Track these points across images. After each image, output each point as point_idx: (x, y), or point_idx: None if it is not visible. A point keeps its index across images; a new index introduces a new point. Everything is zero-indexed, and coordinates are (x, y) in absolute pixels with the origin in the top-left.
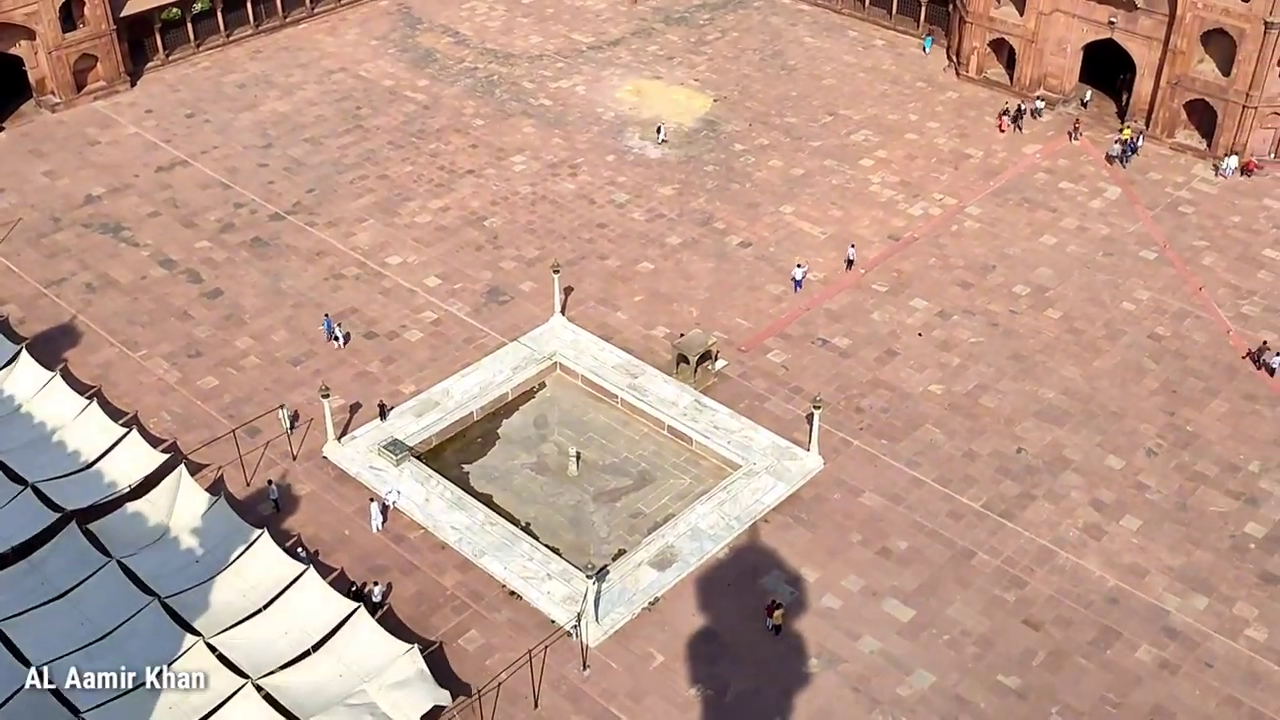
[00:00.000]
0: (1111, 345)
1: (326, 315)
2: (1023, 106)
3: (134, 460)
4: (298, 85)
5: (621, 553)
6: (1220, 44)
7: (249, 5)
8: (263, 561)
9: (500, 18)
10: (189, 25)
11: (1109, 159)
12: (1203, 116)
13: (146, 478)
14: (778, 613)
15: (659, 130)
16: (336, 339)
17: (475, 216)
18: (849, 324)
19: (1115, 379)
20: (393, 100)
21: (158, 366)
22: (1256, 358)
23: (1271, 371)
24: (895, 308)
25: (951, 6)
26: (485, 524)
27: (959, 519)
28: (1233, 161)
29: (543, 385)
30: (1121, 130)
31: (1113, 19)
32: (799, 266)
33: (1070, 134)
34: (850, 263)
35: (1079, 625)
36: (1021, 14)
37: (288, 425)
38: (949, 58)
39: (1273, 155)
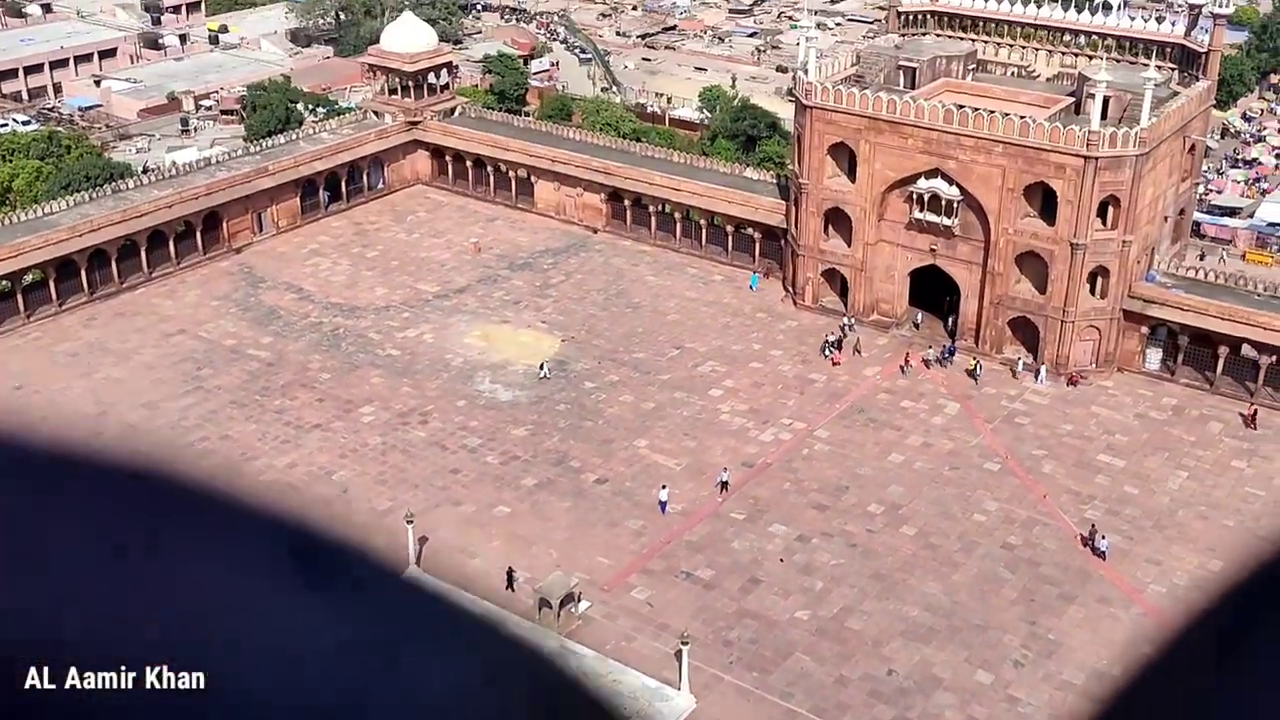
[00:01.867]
0: (967, 558)
1: None
2: (831, 337)
3: None
4: (134, 350)
5: None
6: (1034, 265)
7: (83, 273)
8: None
9: (344, 272)
10: (19, 297)
11: (925, 363)
12: (1026, 332)
13: None
14: None
15: (541, 366)
16: None
17: (323, 471)
18: (710, 554)
19: (975, 591)
20: (235, 359)
21: None
22: (1088, 541)
23: (1102, 555)
24: (755, 535)
25: (784, 241)
26: None
27: None
28: (1022, 368)
29: None
30: (959, 357)
31: (933, 247)
32: (663, 488)
33: (902, 368)
34: (724, 485)
35: None
36: (849, 245)
37: None
38: (785, 289)
39: (1094, 365)
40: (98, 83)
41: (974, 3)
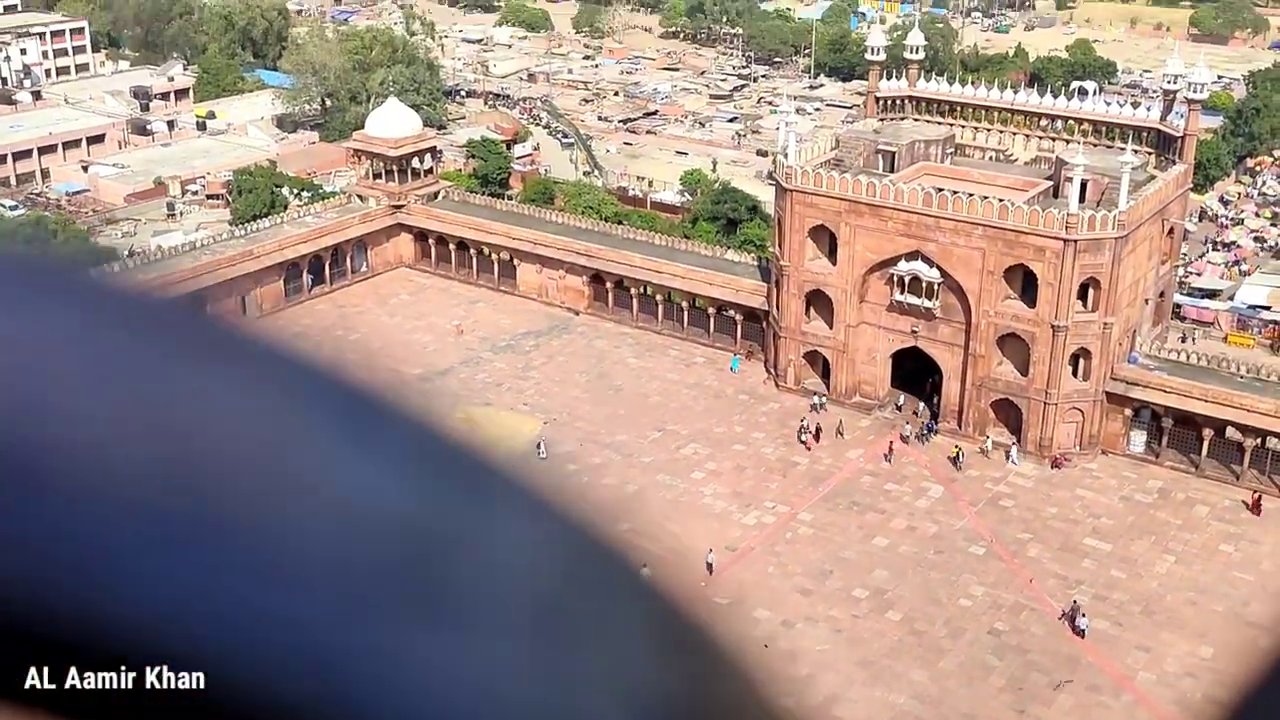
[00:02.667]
0: (954, 644)
1: None
2: (804, 422)
3: None
4: None
5: None
6: (1016, 347)
7: None
8: None
9: (327, 355)
10: None
11: (904, 439)
12: (1009, 414)
13: None
14: None
15: (539, 445)
16: None
17: None
18: None
19: (962, 679)
20: None
21: None
22: (1069, 617)
23: (1081, 633)
24: (739, 620)
25: (765, 323)
26: None
27: None
28: (991, 446)
29: None
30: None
31: (915, 329)
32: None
33: (886, 456)
34: (710, 566)
35: None
36: (831, 327)
37: None
38: (767, 371)
39: (1078, 447)
40: (85, 168)
41: (951, 88)
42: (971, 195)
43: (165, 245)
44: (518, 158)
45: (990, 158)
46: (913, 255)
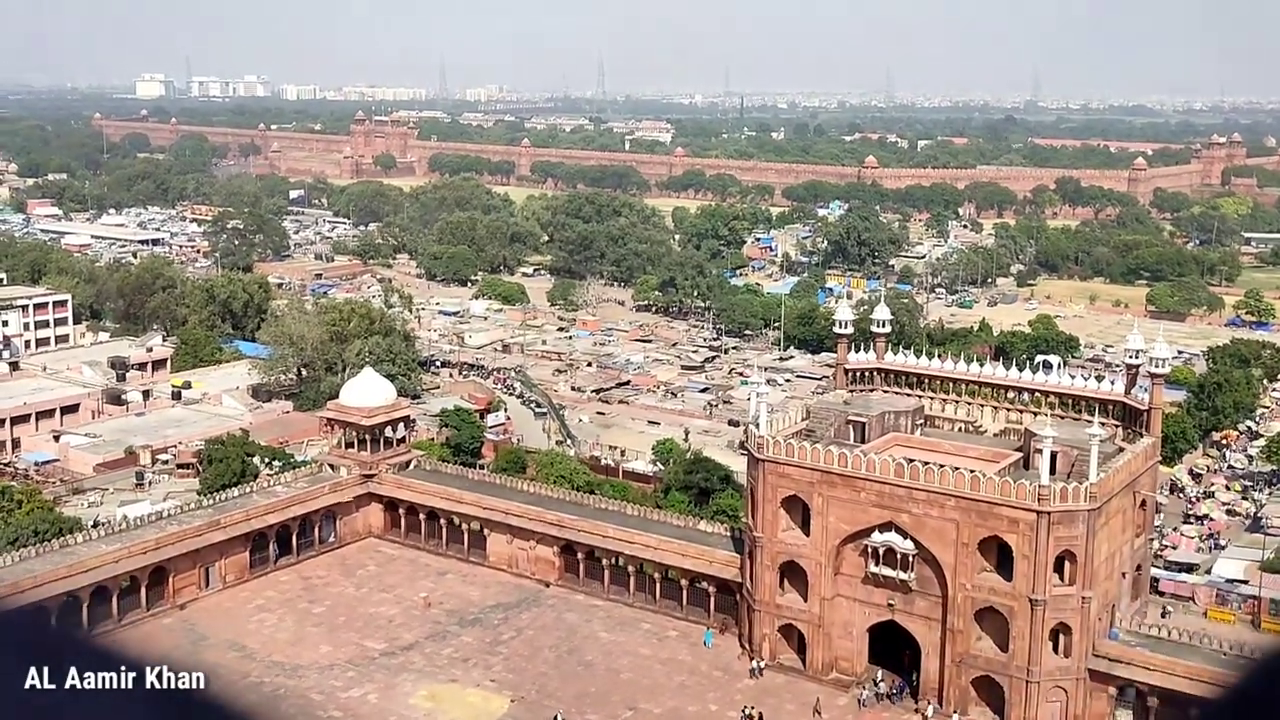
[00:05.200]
0: None
1: None
2: (749, 712)
3: None
4: None
5: None
6: (994, 621)
7: None
8: None
9: (289, 629)
10: None
11: (862, 704)
12: (991, 692)
13: None
14: None
15: (556, 717)
16: None
17: None
18: None
19: None
20: None
21: None
22: None
23: None
24: None
25: (739, 596)
26: None
27: None
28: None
29: None
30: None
31: (891, 602)
32: None
33: None
34: None
35: None
36: (806, 600)
37: None
38: (741, 645)
39: None
40: (57, 437)
41: (919, 361)
42: (943, 466)
43: (130, 515)
44: (490, 427)
45: (959, 429)
46: (886, 526)
